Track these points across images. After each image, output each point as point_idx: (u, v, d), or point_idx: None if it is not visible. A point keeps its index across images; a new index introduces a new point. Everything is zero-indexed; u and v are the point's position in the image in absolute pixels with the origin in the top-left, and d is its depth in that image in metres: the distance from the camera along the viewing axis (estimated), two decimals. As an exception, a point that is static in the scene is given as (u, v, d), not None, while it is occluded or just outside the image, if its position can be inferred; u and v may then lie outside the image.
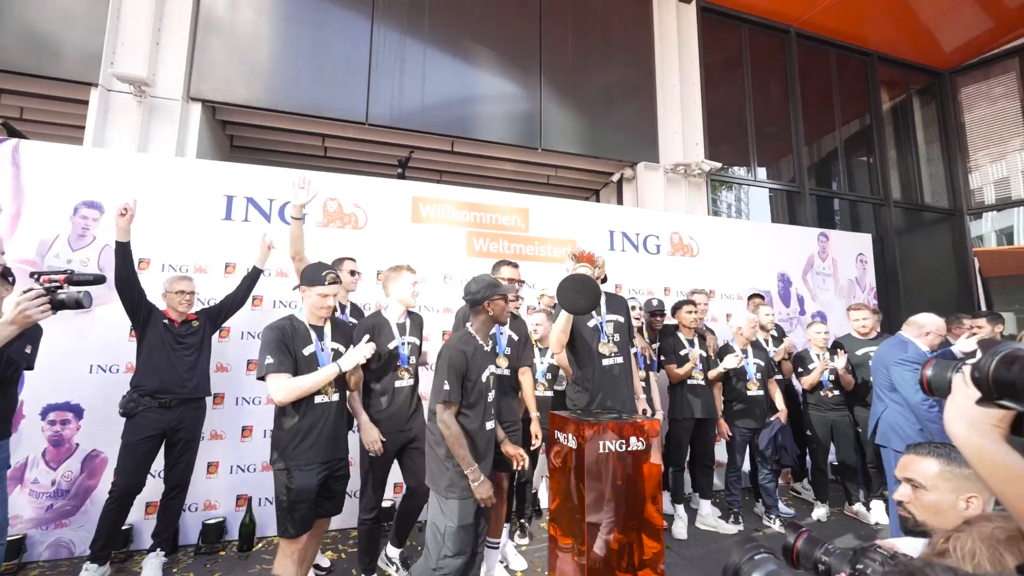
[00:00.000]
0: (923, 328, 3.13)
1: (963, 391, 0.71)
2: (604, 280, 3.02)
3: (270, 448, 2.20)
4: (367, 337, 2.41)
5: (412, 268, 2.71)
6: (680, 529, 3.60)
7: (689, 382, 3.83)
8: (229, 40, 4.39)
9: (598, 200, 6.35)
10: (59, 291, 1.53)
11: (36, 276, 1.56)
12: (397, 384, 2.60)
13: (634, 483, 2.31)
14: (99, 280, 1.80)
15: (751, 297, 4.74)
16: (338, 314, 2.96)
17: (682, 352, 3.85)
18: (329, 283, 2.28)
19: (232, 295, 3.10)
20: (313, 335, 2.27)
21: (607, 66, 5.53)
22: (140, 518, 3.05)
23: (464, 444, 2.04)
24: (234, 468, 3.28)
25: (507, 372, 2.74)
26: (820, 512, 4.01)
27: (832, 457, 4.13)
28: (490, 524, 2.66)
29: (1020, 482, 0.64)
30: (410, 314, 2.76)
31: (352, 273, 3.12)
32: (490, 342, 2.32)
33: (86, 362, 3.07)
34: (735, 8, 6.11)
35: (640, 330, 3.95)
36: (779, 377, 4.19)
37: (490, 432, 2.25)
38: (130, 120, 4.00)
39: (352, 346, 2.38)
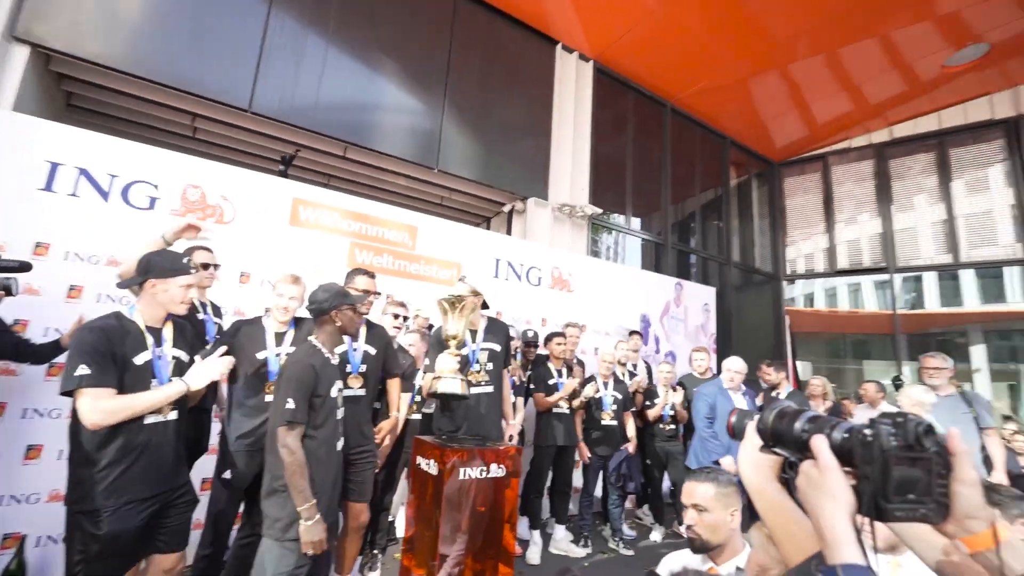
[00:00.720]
0: (728, 369, 3.92)
1: (751, 438, 0.85)
2: (486, 307, 3.09)
3: (68, 483, 1.70)
4: (223, 349, 2.11)
5: (291, 280, 2.44)
6: (534, 554, 3.70)
7: (554, 410, 4.03)
8: (82, -18, 3.73)
9: (488, 227, 6.53)
10: None
11: None
12: (266, 399, 2.31)
13: (492, 510, 2.34)
14: (24, 268, 1.76)
15: (631, 333, 5.23)
16: (201, 315, 2.59)
17: (550, 381, 4.05)
18: (194, 271, 1.96)
19: (31, 345, 2.44)
20: (150, 339, 1.84)
21: (509, 102, 5.79)
22: None
23: (306, 475, 1.83)
24: (6, 499, 2.62)
25: (361, 392, 2.56)
26: (657, 535, 4.43)
27: (667, 483, 4.62)
28: (340, 560, 2.47)
29: (782, 514, 0.78)
30: (297, 321, 2.49)
31: (206, 266, 2.68)
32: (337, 357, 2.18)
33: None
34: (625, 76, 6.86)
35: (513, 356, 4.08)
36: (635, 409, 4.61)
37: (340, 455, 2.09)
38: (-84, 47, 3.15)
39: (200, 355, 2.01)
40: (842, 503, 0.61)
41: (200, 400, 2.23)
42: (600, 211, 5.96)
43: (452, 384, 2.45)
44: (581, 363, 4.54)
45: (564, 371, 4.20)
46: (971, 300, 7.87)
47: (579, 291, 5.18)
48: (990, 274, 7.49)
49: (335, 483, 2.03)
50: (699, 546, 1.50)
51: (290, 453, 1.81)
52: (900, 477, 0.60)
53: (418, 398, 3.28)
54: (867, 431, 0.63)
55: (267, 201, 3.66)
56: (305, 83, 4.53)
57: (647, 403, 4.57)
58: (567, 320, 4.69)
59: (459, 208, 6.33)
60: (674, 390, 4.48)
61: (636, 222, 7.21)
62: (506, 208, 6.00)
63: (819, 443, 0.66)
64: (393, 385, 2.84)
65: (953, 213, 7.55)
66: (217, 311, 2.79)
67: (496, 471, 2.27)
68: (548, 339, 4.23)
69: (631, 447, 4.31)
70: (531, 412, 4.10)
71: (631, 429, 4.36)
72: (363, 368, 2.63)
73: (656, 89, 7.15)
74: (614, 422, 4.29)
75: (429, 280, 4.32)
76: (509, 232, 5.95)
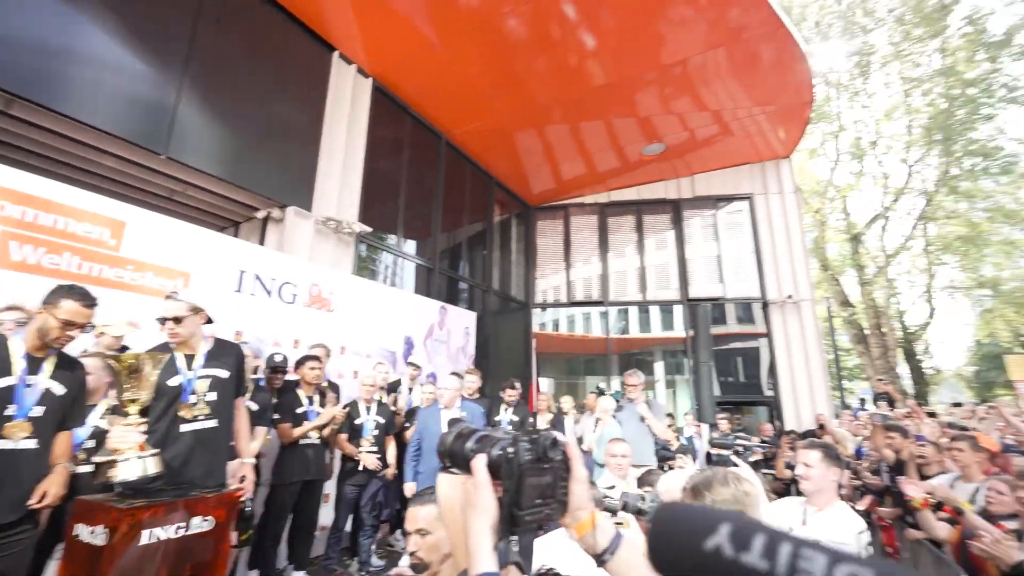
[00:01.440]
0: (439, 387, 4.09)
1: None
2: (209, 321, 2.60)
3: None
4: None
5: None
6: (262, 614, 3.22)
7: (303, 442, 3.67)
8: None
9: (237, 234, 5.62)
10: None
11: None
12: None
13: (199, 573, 1.92)
14: None
15: (409, 364, 5.13)
16: None
17: (298, 410, 3.67)
18: None
19: None
20: None
21: (274, 99, 5.21)
22: None
23: None
24: None
25: (28, 444, 1.88)
26: (406, 559, 4.40)
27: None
28: None
29: (459, 528, 0.83)
30: None
31: None
32: None
33: None
34: (404, 101, 7.00)
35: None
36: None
37: None
38: None
39: None
40: (487, 517, 0.69)
41: None
42: (369, 230, 5.83)
43: (134, 467, 1.84)
44: (335, 387, 4.26)
45: (316, 398, 3.87)
46: (656, 328, 10.55)
47: (340, 311, 4.89)
48: (666, 310, 10.21)
49: None
50: (422, 570, 1.50)
51: None
52: (532, 486, 0.71)
53: (91, 442, 2.49)
54: (510, 448, 0.72)
55: None
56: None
57: (407, 424, 4.58)
58: (323, 341, 4.37)
59: (197, 207, 5.28)
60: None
61: (412, 245, 7.33)
62: (260, 214, 5.28)
63: (476, 462, 0.73)
64: (63, 436, 2.11)
65: (645, 263, 10.08)
66: None
67: (202, 525, 1.88)
68: (300, 363, 3.86)
69: (388, 473, 4.22)
70: (272, 447, 3.63)
71: (391, 454, 4.27)
72: (38, 412, 1.92)
73: (434, 120, 7.51)
74: (374, 448, 4.15)
75: (139, 291, 3.43)
76: (262, 242, 5.25)
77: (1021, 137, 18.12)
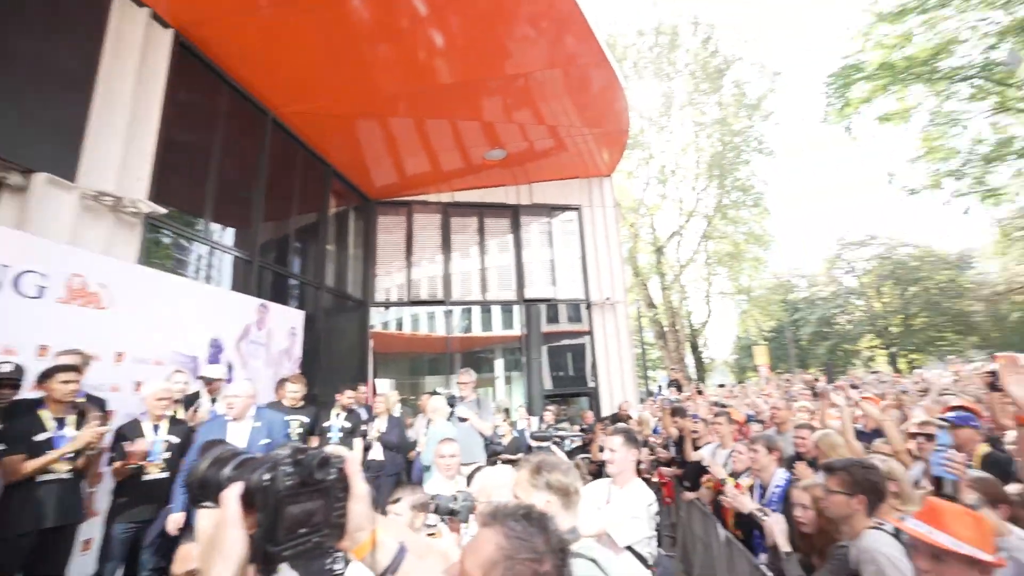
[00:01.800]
0: (226, 395, 3.44)
1: None
2: None
3: None
4: None
5: None
6: None
7: (42, 478, 2.84)
8: None
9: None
10: None
11: None
12: None
13: None
14: None
15: (209, 382, 4.31)
16: None
17: (38, 437, 2.83)
18: None
19: None
20: None
21: (16, 27, 3.96)
22: None
23: None
24: None
25: None
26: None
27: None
28: None
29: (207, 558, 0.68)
30: None
31: None
32: None
33: None
34: (218, 65, 5.98)
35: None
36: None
37: None
38: None
39: None
40: (232, 561, 0.56)
41: None
42: (163, 211, 4.81)
43: None
44: (99, 402, 3.41)
45: (72, 419, 3.04)
46: (497, 327, 10.96)
47: (117, 308, 3.93)
48: (506, 309, 10.67)
49: None
50: None
51: None
52: (294, 515, 0.60)
53: None
54: (266, 475, 0.60)
55: None
56: None
57: (205, 444, 3.89)
58: (85, 346, 3.47)
59: None
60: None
61: (228, 234, 6.32)
62: (-12, 179, 3.94)
63: (225, 495, 0.60)
64: None
65: (486, 264, 10.41)
66: None
67: None
68: (46, 376, 2.98)
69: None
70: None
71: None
72: None
73: (258, 94, 6.59)
74: (165, 474, 3.43)
75: None
76: (-9, 215, 3.93)
77: (765, 180, 24.06)
